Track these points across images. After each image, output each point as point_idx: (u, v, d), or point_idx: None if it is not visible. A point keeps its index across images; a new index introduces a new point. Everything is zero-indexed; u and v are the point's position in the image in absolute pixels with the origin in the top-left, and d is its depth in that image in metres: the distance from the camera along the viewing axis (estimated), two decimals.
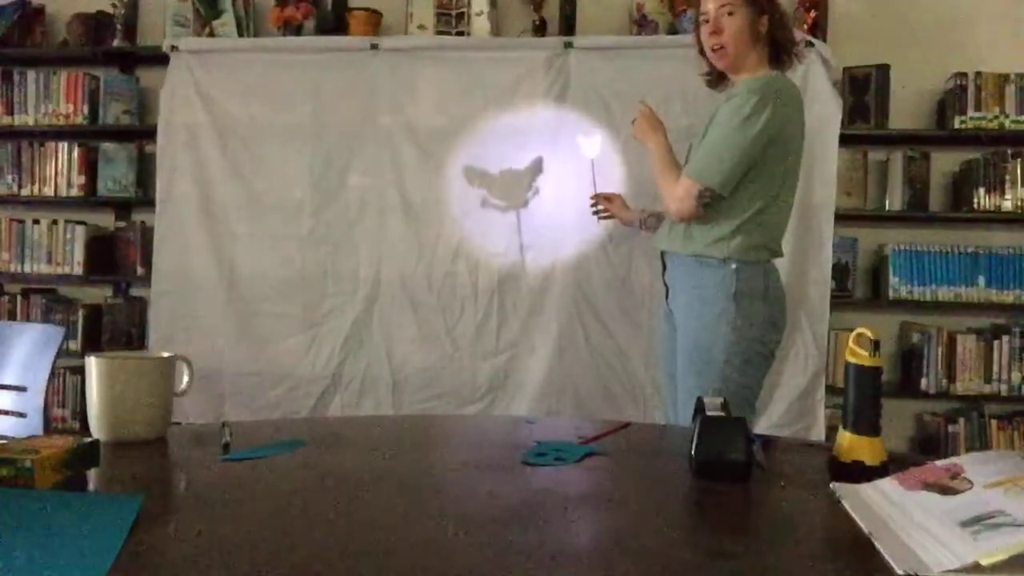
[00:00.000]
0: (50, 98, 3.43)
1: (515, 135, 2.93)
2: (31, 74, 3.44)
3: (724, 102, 2.02)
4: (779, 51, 2.08)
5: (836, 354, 2.90)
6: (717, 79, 2.20)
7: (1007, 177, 3.02)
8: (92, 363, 1.17)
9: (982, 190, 3.03)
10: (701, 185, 1.97)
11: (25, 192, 3.45)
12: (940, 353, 3.04)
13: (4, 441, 0.93)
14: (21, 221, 3.47)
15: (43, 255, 3.43)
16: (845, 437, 1.02)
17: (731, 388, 1.88)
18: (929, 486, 0.86)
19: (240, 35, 3.25)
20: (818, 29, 3.00)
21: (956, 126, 3.03)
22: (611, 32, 3.16)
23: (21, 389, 1.80)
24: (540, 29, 3.19)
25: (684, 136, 2.97)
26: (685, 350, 2.00)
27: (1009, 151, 3.04)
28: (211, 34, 3.25)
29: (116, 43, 3.42)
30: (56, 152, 3.42)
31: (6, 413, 1.80)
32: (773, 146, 1.96)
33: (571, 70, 2.93)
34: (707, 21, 2.02)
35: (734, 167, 1.95)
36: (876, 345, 1.02)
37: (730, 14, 1.98)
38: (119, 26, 3.41)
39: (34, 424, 1.76)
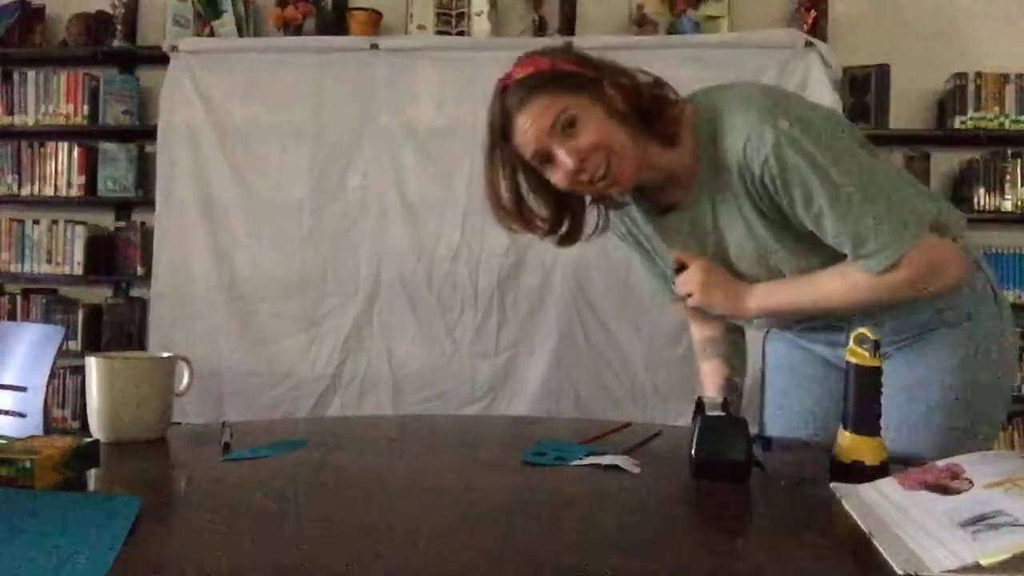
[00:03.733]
0: (50, 98, 3.43)
1: None
2: (31, 74, 3.44)
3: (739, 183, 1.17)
4: (652, 121, 1.19)
5: None
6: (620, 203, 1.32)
7: (1007, 177, 3.02)
8: (92, 363, 1.17)
9: (982, 190, 3.03)
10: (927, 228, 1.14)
11: (25, 192, 3.44)
12: None
13: (4, 441, 0.93)
14: (21, 221, 3.47)
15: (43, 255, 3.43)
16: (845, 437, 1.02)
17: None
18: (929, 486, 0.86)
19: (240, 35, 3.25)
20: (818, 29, 3.00)
21: (956, 126, 3.03)
22: (611, 32, 3.16)
23: (21, 389, 1.80)
24: (540, 29, 3.19)
25: None
26: None
27: (1009, 151, 3.04)
28: (211, 34, 3.25)
29: (116, 43, 3.42)
30: (56, 152, 3.42)
31: (6, 413, 1.80)
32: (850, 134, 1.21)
33: None
34: (548, 160, 1.17)
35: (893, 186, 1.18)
36: (876, 345, 1.01)
37: (571, 124, 1.14)
38: (119, 26, 3.41)
39: (34, 424, 1.76)
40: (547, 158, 1.17)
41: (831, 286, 1.19)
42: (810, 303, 1.23)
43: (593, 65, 1.18)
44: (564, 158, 1.14)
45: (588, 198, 1.27)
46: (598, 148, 1.14)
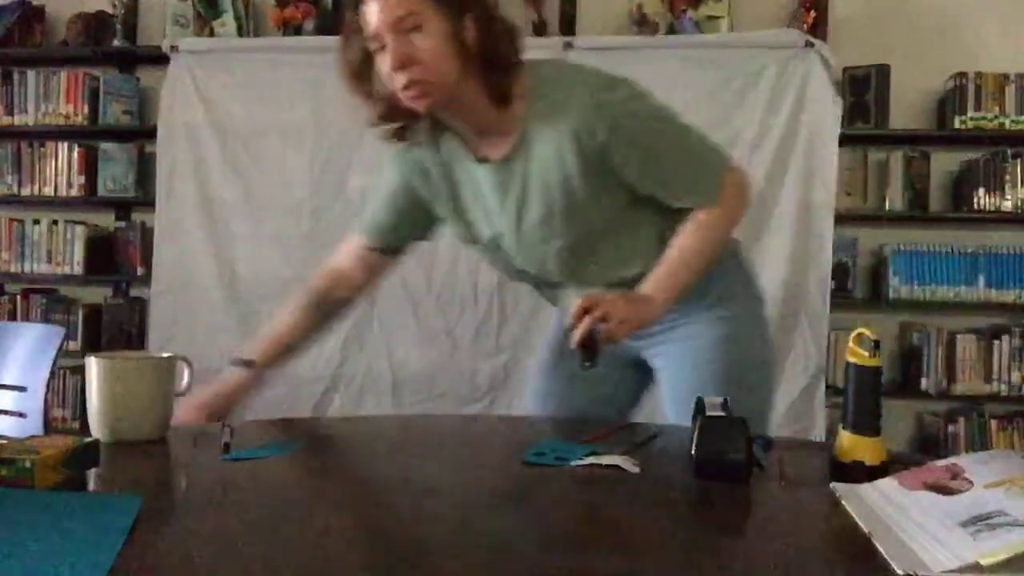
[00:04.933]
0: (50, 98, 3.43)
1: None
2: (31, 74, 3.44)
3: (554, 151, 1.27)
4: (493, 75, 1.24)
5: (836, 354, 2.90)
6: (411, 131, 1.34)
7: (1007, 177, 3.02)
8: (92, 363, 1.17)
9: (982, 190, 3.03)
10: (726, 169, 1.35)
11: (25, 192, 3.44)
12: (940, 353, 3.04)
13: (4, 441, 0.93)
14: (21, 221, 3.47)
15: (43, 255, 3.43)
16: (845, 437, 1.02)
17: None
18: (929, 486, 0.86)
19: (240, 35, 3.25)
20: (818, 29, 3.00)
21: (956, 126, 3.02)
22: (611, 32, 3.16)
23: (21, 389, 1.80)
24: (540, 29, 3.19)
25: None
26: None
27: (1009, 151, 3.03)
28: (211, 34, 3.25)
29: (116, 43, 3.41)
30: (56, 152, 3.42)
31: (6, 413, 1.79)
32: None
33: None
34: (381, 47, 1.21)
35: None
36: (876, 345, 1.01)
37: (415, 29, 1.19)
38: (119, 26, 3.41)
39: (34, 424, 1.76)
40: (381, 46, 1.21)
41: (695, 241, 1.31)
42: (695, 267, 1.32)
43: None
44: (392, 54, 1.19)
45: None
46: (424, 63, 1.19)
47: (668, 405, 1.44)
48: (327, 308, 1.47)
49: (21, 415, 1.78)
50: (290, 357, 1.45)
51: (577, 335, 1.18)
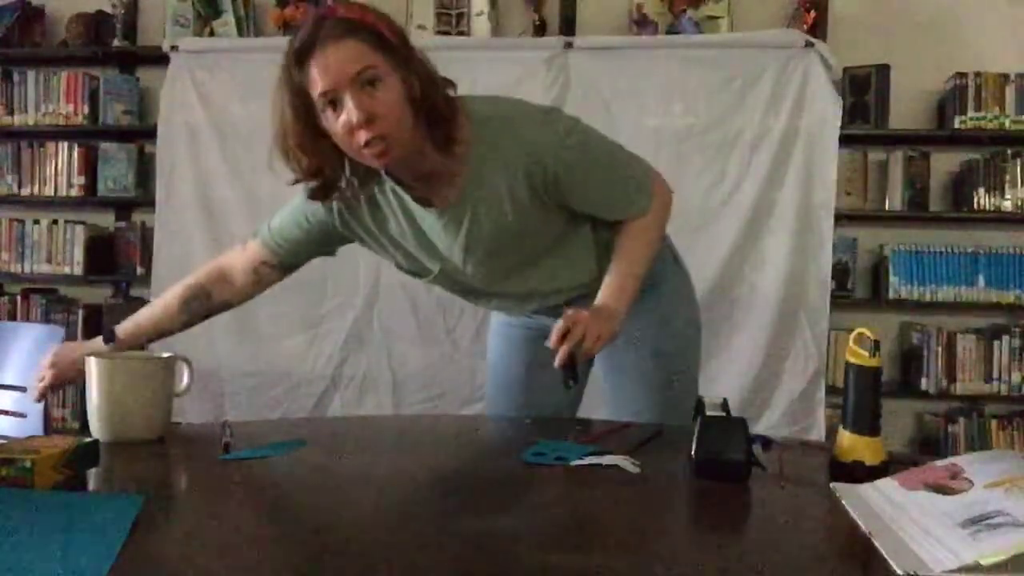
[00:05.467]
0: (50, 98, 3.42)
1: None
2: (31, 74, 3.44)
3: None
4: (438, 125, 1.23)
5: (836, 354, 2.90)
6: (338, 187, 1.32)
7: (1007, 177, 3.02)
8: (92, 363, 1.17)
9: (982, 190, 3.03)
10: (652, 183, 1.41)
11: (25, 192, 3.44)
12: (940, 353, 3.04)
13: (4, 441, 0.93)
14: (21, 221, 3.46)
15: (43, 255, 3.43)
16: (845, 437, 1.02)
17: None
18: (929, 486, 0.86)
19: (240, 35, 3.24)
20: (818, 29, 3.00)
21: (956, 126, 3.02)
22: (611, 32, 3.16)
23: (21, 389, 1.80)
24: (540, 29, 3.19)
25: (684, 136, 2.95)
26: None
27: (1009, 151, 3.03)
28: (211, 34, 3.24)
29: (116, 43, 3.41)
30: (56, 152, 3.42)
31: (6, 413, 1.80)
32: None
33: (571, 70, 2.92)
34: (333, 104, 1.17)
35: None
36: (876, 345, 1.02)
37: (372, 83, 1.16)
38: (119, 26, 3.41)
39: (34, 424, 1.76)
40: (333, 102, 1.17)
41: (639, 247, 1.38)
42: (643, 272, 1.38)
43: (408, 47, 1.21)
44: (352, 109, 1.15)
45: (346, 164, 1.27)
46: (385, 118, 1.16)
47: (610, 378, 1.57)
48: (204, 306, 1.50)
49: (21, 415, 1.78)
50: (154, 340, 1.50)
51: (560, 357, 1.21)
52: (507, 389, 1.64)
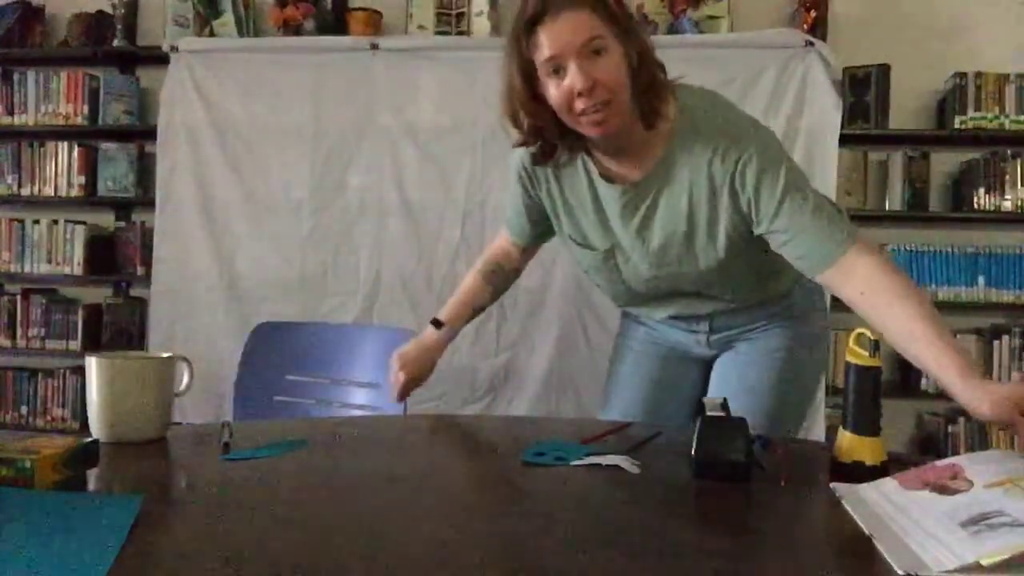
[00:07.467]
0: (50, 98, 3.43)
1: None
2: (31, 74, 3.44)
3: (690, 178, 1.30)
4: (649, 99, 1.26)
5: (836, 354, 2.90)
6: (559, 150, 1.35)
7: (1007, 177, 3.02)
8: (92, 363, 1.17)
9: (982, 190, 3.03)
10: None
11: (25, 192, 3.44)
12: None
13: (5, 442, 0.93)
14: (21, 221, 3.46)
15: (43, 255, 3.43)
16: (845, 437, 1.02)
17: None
18: (929, 486, 0.86)
19: (240, 35, 3.24)
20: (818, 29, 3.00)
21: (956, 126, 3.02)
22: None
23: (375, 386, 1.92)
24: None
25: None
26: None
27: (1009, 151, 3.03)
28: (211, 34, 3.24)
29: (116, 43, 3.41)
30: (56, 152, 3.42)
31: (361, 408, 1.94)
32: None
33: None
34: (557, 70, 1.20)
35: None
36: (876, 345, 1.02)
37: (598, 52, 1.19)
38: (119, 26, 3.41)
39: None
40: (558, 68, 1.20)
41: (924, 315, 1.18)
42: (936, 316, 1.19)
43: (631, 19, 1.25)
44: (577, 75, 1.18)
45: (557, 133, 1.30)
46: (608, 86, 1.19)
47: (734, 385, 1.51)
48: (502, 276, 1.63)
49: (376, 408, 1.90)
50: (474, 316, 1.64)
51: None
52: (632, 404, 1.62)
